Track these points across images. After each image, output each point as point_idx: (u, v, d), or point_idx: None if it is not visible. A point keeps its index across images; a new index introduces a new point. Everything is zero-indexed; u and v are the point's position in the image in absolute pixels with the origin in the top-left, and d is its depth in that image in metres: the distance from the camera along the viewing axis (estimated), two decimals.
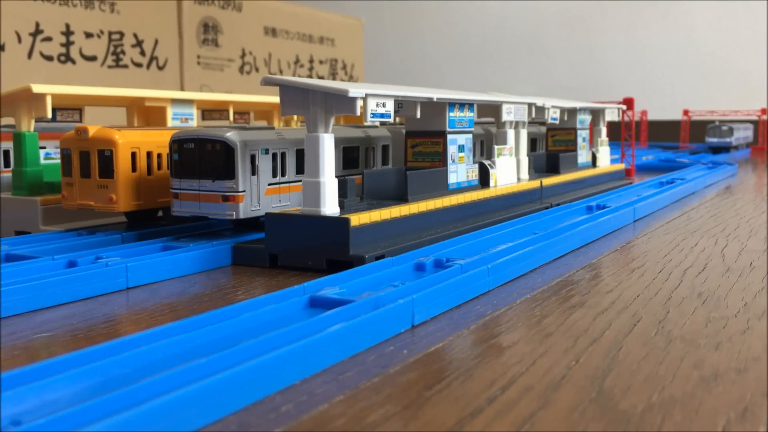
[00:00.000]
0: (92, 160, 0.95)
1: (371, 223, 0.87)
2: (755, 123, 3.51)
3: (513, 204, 1.21)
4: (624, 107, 1.92)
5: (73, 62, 2.10)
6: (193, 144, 0.91)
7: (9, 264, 0.78)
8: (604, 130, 1.75)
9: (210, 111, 1.41)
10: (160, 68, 2.37)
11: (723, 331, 0.60)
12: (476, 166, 1.15)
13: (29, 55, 1.99)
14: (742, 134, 3.35)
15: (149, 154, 0.99)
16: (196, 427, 0.42)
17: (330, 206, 0.86)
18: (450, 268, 0.75)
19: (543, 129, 1.63)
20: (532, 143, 1.58)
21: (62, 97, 1.11)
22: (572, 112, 1.55)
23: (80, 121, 1.22)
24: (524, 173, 1.30)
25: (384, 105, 0.87)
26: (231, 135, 0.90)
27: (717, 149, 3.09)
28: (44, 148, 1.16)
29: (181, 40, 2.43)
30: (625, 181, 1.76)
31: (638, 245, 1.02)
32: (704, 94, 3.85)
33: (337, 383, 0.49)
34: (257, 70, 2.73)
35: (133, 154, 0.96)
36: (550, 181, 1.36)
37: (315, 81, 0.85)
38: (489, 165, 1.17)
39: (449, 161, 1.06)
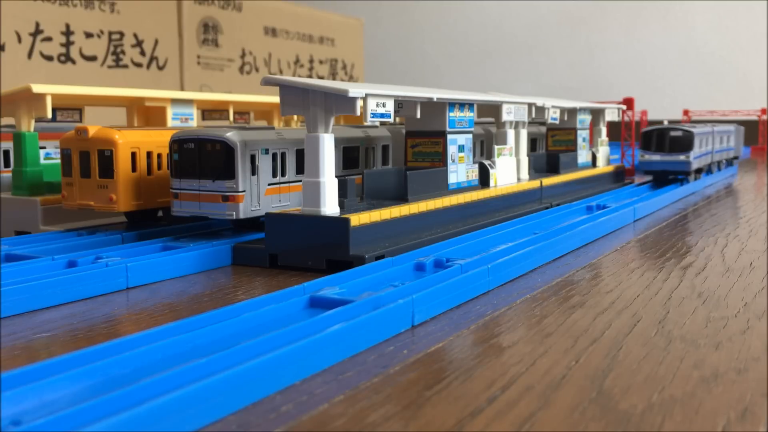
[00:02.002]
0: (92, 160, 0.95)
1: (371, 223, 0.87)
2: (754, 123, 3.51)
3: (513, 204, 1.21)
4: (624, 107, 1.91)
5: (73, 62, 2.10)
6: (193, 144, 0.91)
7: (9, 264, 0.78)
8: (604, 130, 1.75)
9: (210, 111, 1.41)
10: (160, 68, 2.36)
11: (723, 331, 0.60)
12: (476, 166, 1.15)
13: (29, 55, 1.99)
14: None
15: (149, 154, 0.99)
16: (196, 427, 0.42)
17: (330, 206, 0.86)
18: (450, 268, 0.75)
19: (543, 129, 1.63)
20: (532, 143, 1.58)
21: (62, 97, 1.11)
22: (572, 112, 1.55)
23: (80, 121, 1.22)
24: (524, 173, 1.30)
25: (384, 105, 0.87)
26: (231, 135, 0.90)
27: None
28: (44, 148, 1.16)
29: (181, 40, 2.43)
30: (625, 181, 1.76)
31: (638, 245, 1.02)
32: (704, 94, 3.85)
33: (337, 383, 0.49)
34: (257, 70, 2.73)
35: (133, 154, 0.96)
36: (550, 181, 1.36)
37: (315, 81, 0.85)
38: (489, 165, 1.17)
39: (449, 161, 1.06)
